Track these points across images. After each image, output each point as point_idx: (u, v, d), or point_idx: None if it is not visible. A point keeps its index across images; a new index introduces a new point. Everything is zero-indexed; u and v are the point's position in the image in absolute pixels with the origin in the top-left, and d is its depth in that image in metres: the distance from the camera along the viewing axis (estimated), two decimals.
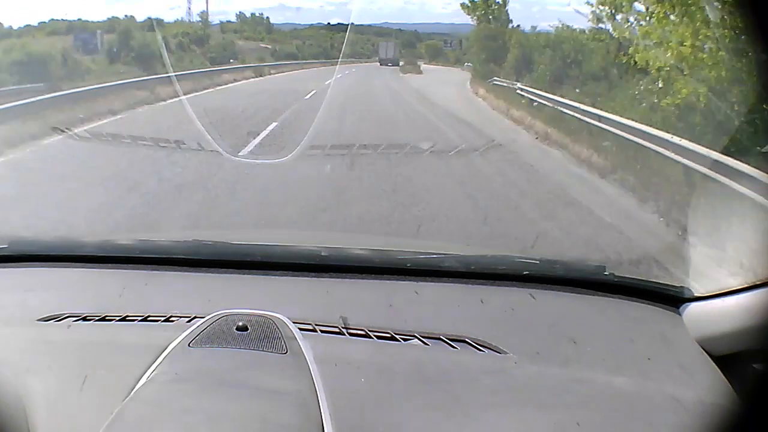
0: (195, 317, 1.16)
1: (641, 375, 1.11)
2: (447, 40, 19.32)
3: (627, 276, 1.42)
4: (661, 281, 1.40)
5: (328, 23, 19.30)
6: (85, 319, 1.22)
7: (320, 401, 0.93)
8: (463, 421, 0.95)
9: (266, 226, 3.89)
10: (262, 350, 1.03)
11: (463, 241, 3.70)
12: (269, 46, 18.12)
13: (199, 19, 16.22)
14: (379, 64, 17.98)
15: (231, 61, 14.79)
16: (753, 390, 0.99)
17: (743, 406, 0.99)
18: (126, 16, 14.55)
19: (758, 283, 1.10)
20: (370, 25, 19.45)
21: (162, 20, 15.77)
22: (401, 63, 17.89)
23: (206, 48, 15.84)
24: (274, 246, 1.58)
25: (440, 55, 19.23)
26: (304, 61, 18.05)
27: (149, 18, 15.13)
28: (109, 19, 14.28)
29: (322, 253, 1.47)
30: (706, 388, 1.08)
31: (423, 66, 18.79)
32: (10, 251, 1.52)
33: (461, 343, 1.15)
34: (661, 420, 0.99)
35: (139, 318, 1.22)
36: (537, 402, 1.01)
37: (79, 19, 13.45)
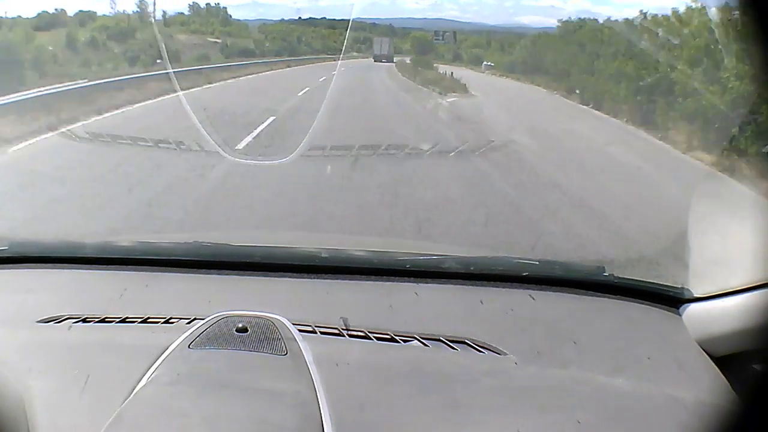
0: (195, 319, 1.16)
1: (641, 376, 1.11)
2: (439, 33, 16.39)
3: (626, 277, 1.42)
4: (660, 282, 1.40)
5: (299, 17, 17.49)
6: (85, 320, 1.22)
7: (320, 402, 0.93)
8: (463, 423, 0.95)
9: (266, 228, 3.89)
10: (262, 352, 1.03)
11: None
12: (219, 41, 14.93)
13: (138, 10, 13.39)
14: (373, 60, 16.46)
15: (158, 61, 11.27)
16: (753, 390, 0.99)
17: (743, 406, 0.99)
18: (57, 9, 12.39)
19: (758, 283, 1.10)
20: (341, 20, 17.76)
21: (95, 13, 13.02)
22: (394, 60, 15.87)
23: (129, 45, 12.37)
24: (274, 247, 1.59)
25: (430, 51, 16.46)
26: (261, 60, 14.98)
27: (81, 12, 12.71)
28: (39, 14, 12.09)
29: (322, 255, 1.47)
30: (706, 388, 1.08)
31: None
32: (10, 252, 1.52)
33: (461, 344, 1.15)
34: (661, 420, 0.99)
35: (139, 319, 1.22)
36: (537, 403, 1.01)
37: None
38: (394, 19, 17.72)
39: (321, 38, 17.48)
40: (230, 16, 16.52)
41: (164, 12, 15.41)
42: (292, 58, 16.12)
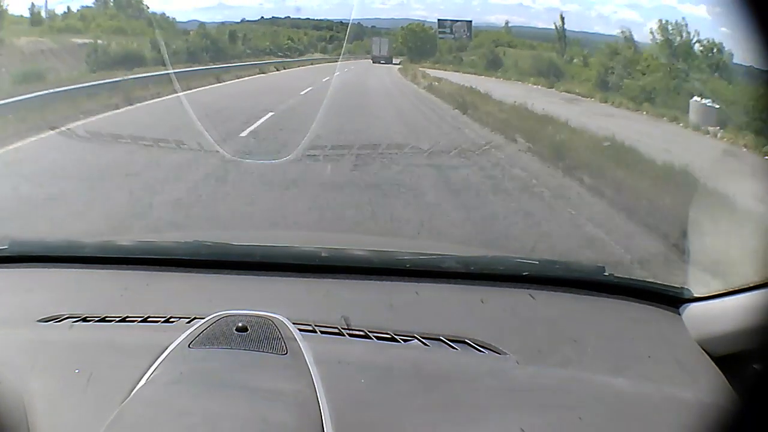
0: (195, 318, 1.16)
1: (641, 375, 1.11)
2: (445, 24, 11.36)
3: (627, 277, 1.42)
4: (660, 282, 1.40)
5: (262, 17, 15.51)
6: (85, 320, 1.22)
7: (320, 402, 0.93)
8: (463, 422, 0.95)
9: (266, 227, 3.89)
10: (262, 351, 1.03)
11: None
12: (101, 41, 10.05)
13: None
14: (371, 61, 14.34)
15: None
16: (753, 390, 0.99)
17: (743, 406, 0.99)
18: None
19: (758, 283, 1.10)
20: (307, 19, 16.32)
21: None
22: (395, 62, 12.86)
23: None
24: (274, 247, 1.59)
25: (433, 52, 11.58)
26: (153, 73, 8.99)
27: None
28: None
29: (323, 254, 1.47)
30: (706, 388, 1.08)
31: (433, 73, 10.62)
32: (11, 252, 1.52)
33: (461, 344, 1.15)
34: (661, 420, 0.99)
35: (139, 319, 1.22)
36: (537, 402, 1.01)
37: None
38: (361, 19, 15.48)
39: (271, 36, 14.47)
40: (147, 7, 12.10)
41: (38, 7, 10.98)
42: (216, 66, 10.67)
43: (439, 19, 11.53)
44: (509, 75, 10.21)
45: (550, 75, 9.42)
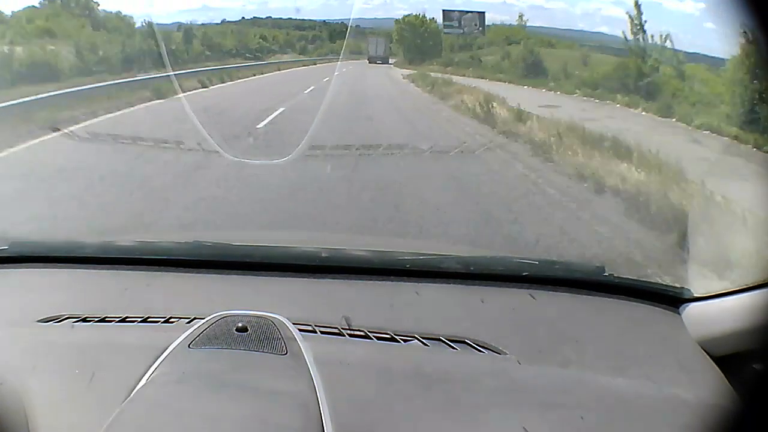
0: (195, 318, 1.16)
1: (641, 375, 1.11)
2: (452, 15, 8.97)
3: (627, 277, 1.42)
4: (660, 282, 1.40)
5: (243, 17, 15.40)
6: (85, 320, 1.22)
7: (320, 402, 0.93)
8: (463, 422, 0.95)
9: (267, 227, 3.89)
10: (262, 351, 1.03)
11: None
12: (5, 49, 7.94)
13: None
14: (368, 61, 13.89)
15: None
16: (753, 390, 0.99)
17: (743, 406, 0.99)
18: None
19: (758, 283, 1.11)
20: (290, 19, 16.21)
21: None
22: (390, 62, 12.42)
23: None
24: (274, 247, 1.59)
25: (438, 50, 9.33)
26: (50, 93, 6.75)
27: None
28: None
29: (323, 254, 1.48)
30: (706, 388, 1.08)
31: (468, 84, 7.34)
32: (11, 252, 1.52)
33: (461, 344, 1.16)
34: (661, 420, 0.99)
35: (139, 319, 1.22)
36: (537, 403, 1.01)
37: None
38: (345, 19, 15.40)
39: (238, 36, 13.33)
40: (97, 4, 10.00)
41: None
42: (131, 78, 7.77)
43: (444, 10, 9.26)
44: (564, 86, 7.13)
45: (641, 92, 6.00)
